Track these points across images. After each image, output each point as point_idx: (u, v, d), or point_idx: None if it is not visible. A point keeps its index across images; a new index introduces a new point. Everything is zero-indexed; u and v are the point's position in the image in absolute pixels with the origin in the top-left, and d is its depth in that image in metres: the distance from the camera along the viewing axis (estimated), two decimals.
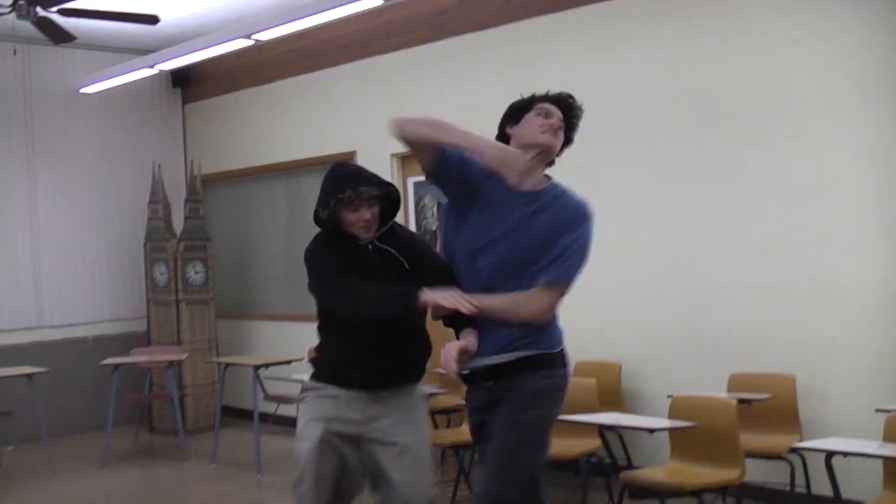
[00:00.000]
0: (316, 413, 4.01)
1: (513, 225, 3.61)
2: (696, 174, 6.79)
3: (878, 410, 5.20)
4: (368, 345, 3.91)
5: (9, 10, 6.35)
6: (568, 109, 3.80)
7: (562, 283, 3.59)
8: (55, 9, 6.38)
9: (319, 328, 4.21)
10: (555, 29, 7.56)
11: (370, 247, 3.96)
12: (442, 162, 3.65)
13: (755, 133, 6.46)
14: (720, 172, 6.66)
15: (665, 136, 6.95)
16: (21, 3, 6.20)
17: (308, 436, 3.99)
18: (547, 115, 3.74)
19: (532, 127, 3.72)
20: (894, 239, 5.87)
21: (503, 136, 3.80)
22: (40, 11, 6.34)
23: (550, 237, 3.60)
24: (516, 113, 3.80)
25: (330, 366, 4.08)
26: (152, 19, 6.87)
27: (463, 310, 3.49)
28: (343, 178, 3.96)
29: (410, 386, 4.09)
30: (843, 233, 6.08)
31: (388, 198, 4.02)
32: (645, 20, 7.03)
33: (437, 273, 3.79)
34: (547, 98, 3.81)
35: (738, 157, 6.56)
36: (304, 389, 4.14)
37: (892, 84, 5.81)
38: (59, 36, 6.94)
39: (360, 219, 3.90)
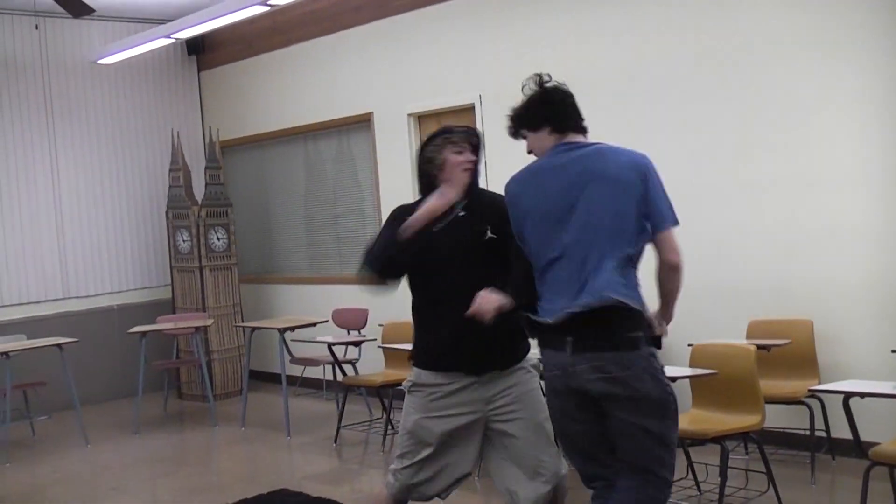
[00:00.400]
0: (422, 409, 4.07)
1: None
2: (708, 123, 6.82)
3: (893, 352, 5.26)
4: (458, 318, 3.80)
5: None
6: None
7: None
8: None
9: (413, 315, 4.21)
10: None
11: (460, 214, 4.01)
12: None
13: (762, 81, 6.49)
14: (732, 121, 6.70)
15: (681, 86, 6.98)
16: None
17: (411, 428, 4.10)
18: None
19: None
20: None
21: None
22: None
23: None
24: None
25: (425, 352, 4.11)
26: None
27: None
28: (444, 130, 4.09)
29: (515, 364, 4.08)
30: (852, 175, 6.12)
31: (478, 144, 4.11)
32: None
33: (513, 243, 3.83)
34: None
35: (749, 105, 6.60)
36: (411, 383, 4.16)
37: None
38: (78, 9, 7.00)
39: (467, 159, 3.98)
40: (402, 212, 4.05)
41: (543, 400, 4.01)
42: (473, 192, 4.05)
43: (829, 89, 6.21)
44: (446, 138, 4.01)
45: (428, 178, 4.04)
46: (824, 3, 6.17)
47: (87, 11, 7.03)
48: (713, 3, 6.74)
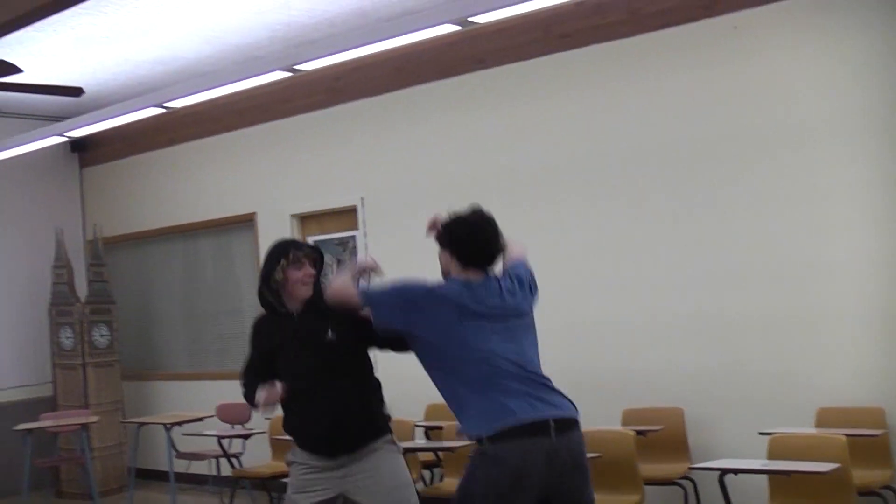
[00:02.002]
0: (294, 485, 4.41)
1: None
2: (573, 225, 7.34)
3: (760, 434, 5.73)
4: (309, 411, 4.28)
5: None
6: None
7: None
8: None
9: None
10: (446, 91, 8.07)
11: (298, 318, 4.39)
12: None
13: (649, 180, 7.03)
14: (610, 216, 7.21)
15: (553, 186, 7.49)
16: None
17: None
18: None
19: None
20: (759, 270, 6.49)
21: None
22: None
23: None
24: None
25: (295, 434, 4.45)
26: (77, 91, 7.11)
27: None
28: (286, 244, 4.49)
29: (370, 444, 4.33)
30: (724, 267, 6.68)
31: (320, 259, 4.46)
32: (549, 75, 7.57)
33: (367, 324, 4.16)
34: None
35: (626, 200, 7.13)
36: (289, 458, 4.52)
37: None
38: None
39: (306, 274, 4.34)
40: (260, 325, 4.54)
41: (402, 472, 4.37)
42: (313, 301, 4.39)
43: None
44: (287, 256, 4.37)
45: (273, 292, 4.40)
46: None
47: None
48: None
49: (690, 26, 6.78)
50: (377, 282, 4.29)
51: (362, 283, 4.36)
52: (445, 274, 4.08)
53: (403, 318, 3.96)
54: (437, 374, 3.96)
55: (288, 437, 6.90)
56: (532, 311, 4.13)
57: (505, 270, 4.16)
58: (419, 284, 4.00)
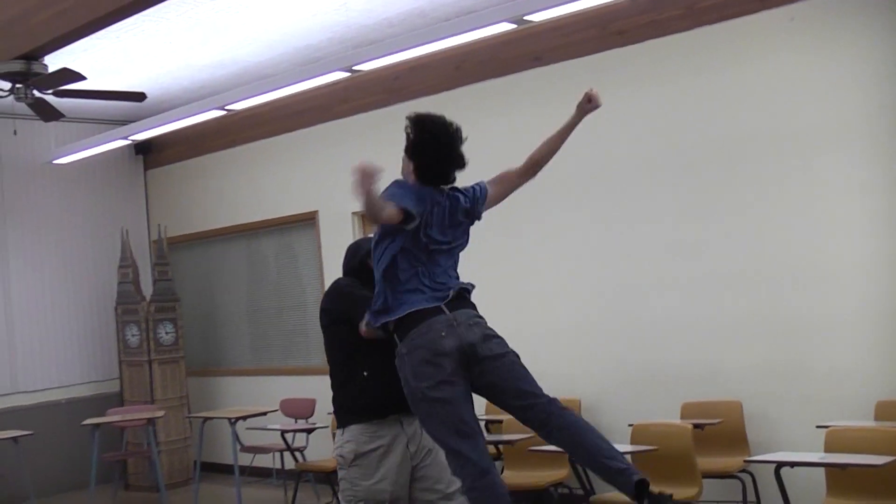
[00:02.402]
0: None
1: None
2: (638, 219, 7.37)
3: (818, 427, 5.75)
4: (384, 369, 4.22)
5: (7, 94, 6.78)
6: None
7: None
8: (51, 91, 6.81)
9: (340, 371, 4.54)
10: (503, 89, 8.14)
11: None
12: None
13: (688, 178, 7.07)
14: (658, 218, 7.25)
15: (601, 185, 7.54)
16: (19, 86, 6.64)
17: None
18: None
19: None
20: (818, 268, 6.50)
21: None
22: (37, 93, 6.77)
23: None
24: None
25: (364, 400, 4.40)
26: (140, 96, 7.30)
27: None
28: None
29: None
30: (783, 265, 6.69)
31: None
32: (596, 76, 7.61)
33: None
34: None
35: (668, 200, 7.19)
36: (348, 451, 4.43)
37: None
38: (50, 114, 7.34)
39: None
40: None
41: None
42: None
43: (758, 190, 6.78)
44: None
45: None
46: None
47: (57, 116, 7.38)
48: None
49: (747, 18, 6.81)
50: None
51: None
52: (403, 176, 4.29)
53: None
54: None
55: None
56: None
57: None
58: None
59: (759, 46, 6.77)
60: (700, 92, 7.06)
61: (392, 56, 6.93)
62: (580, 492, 6.82)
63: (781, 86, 6.66)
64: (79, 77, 6.64)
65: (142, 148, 11.31)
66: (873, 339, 6.34)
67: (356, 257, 4.73)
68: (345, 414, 4.49)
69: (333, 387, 4.58)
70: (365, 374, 4.43)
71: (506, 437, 6.74)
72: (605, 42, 7.49)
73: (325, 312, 4.65)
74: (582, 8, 6.25)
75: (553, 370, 7.73)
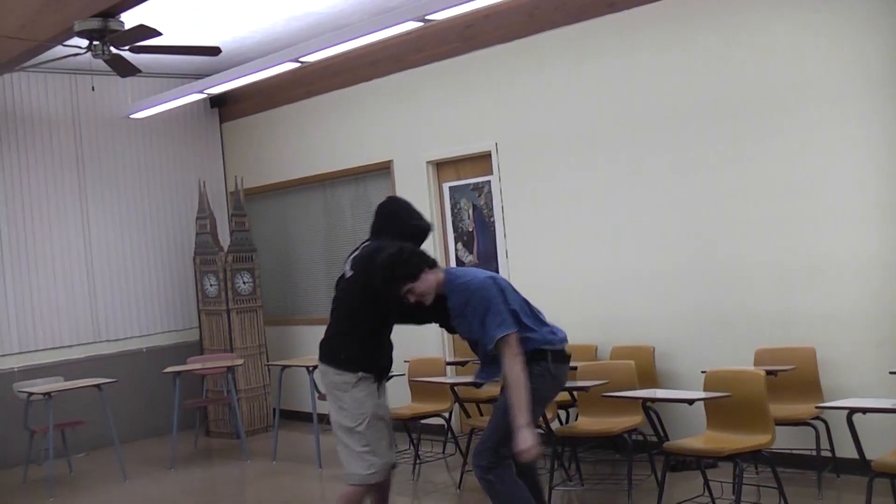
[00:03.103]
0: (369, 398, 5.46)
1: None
2: (712, 163, 7.32)
3: (891, 373, 5.72)
4: (383, 339, 5.54)
5: (85, 51, 6.91)
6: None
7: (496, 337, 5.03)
8: (127, 47, 6.92)
9: (349, 322, 5.51)
10: (576, 37, 8.10)
11: None
12: None
13: (762, 123, 7.01)
14: (734, 160, 7.20)
15: (680, 131, 7.48)
16: (96, 43, 6.77)
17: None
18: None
19: (430, 285, 5.19)
20: (880, 213, 6.42)
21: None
22: (113, 50, 6.89)
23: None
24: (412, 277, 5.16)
25: (362, 357, 5.43)
26: (215, 51, 7.38)
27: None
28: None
29: None
30: (849, 212, 6.61)
31: None
32: (664, 24, 7.56)
33: None
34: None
35: (750, 145, 7.10)
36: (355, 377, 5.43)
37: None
38: (126, 70, 7.46)
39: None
40: None
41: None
42: None
43: (822, 138, 6.71)
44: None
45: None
46: (817, 49, 6.69)
47: (134, 72, 7.51)
48: (707, 51, 7.24)
49: None
50: None
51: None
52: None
53: None
54: None
55: (426, 380, 7.53)
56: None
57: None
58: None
59: None
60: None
61: (465, 5, 6.93)
62: (654, 438, 6.86)
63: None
64: (155, 33, 6.74)
65: (217, 101, 11.45)
66: None
67: (406, 224, 5.54)
68: (349, 362, 5.40)
69: (337, 331, 5.53)
70: (369, 341, 5.44)
71: (580, 383, 6.78)
72: None
73: (364, 275, 5.35)
74: None
75: (625, 316, 7.82)
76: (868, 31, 6.44)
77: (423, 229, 5.60)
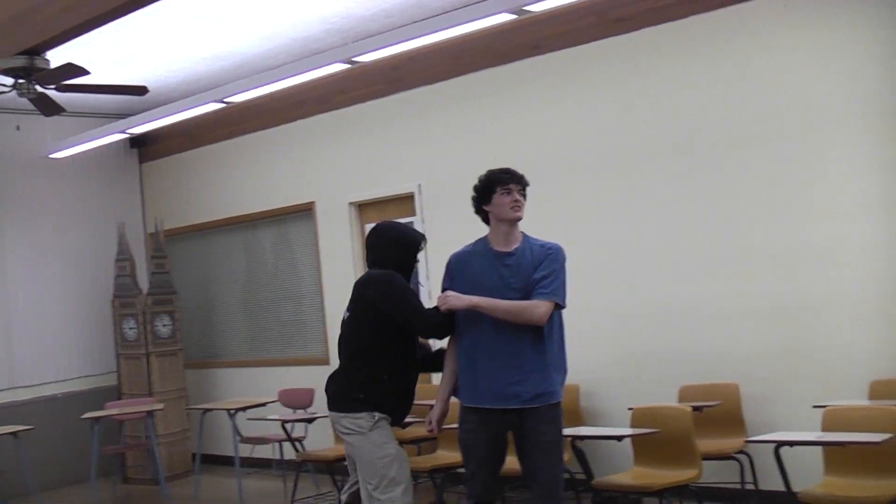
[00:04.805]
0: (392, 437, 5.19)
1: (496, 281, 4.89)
2: (633, 205, 7.46)
3: (814, 407, 5.84)
4: (410, 380, 5.23)
5: (10, 89, 6.81)
6: (520, 182, 5.03)
7: (553, 297, 4.90)
8: (53, 85, 6.85)
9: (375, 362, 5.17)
10: (501, 79, 8.21)
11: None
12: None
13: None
14: (656, 204, 7.34)
15: (601, 173, 7.63)
16: (21, 81, 6.68)
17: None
18: (509, 193, 4.95)
19: (503, 205, 4.95)
20: (812, 251, 6.59)
21: (480, 211, 5.05)
22: (39, 88, 6.81)
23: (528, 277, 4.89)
24: (484, 194, 5.00)
25: (391, 399, 5.17)
26: (142, 90, 7.33)
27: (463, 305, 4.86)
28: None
29: None
30: (776, 248, 6.78)
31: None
32: (588, 66, 7.69)
33: None
34: (504, 177, 4.99)
35: (684, 185, 7.22)
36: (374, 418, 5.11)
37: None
38: (50, 109, 7.38)
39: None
40: None
41: None
42: None
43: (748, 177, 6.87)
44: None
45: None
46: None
47: (58, 111, 7.42)
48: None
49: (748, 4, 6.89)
50: None
51: None
52: None
53: None
54: None
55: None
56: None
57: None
58: None
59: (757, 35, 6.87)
60: (694, 79, 7.14)
61: (391, 47, 6.98)
62: (581, 476, 6.89)
63: (778, 70, 6.74)
64: (82, 72, 6.68)
65: (136, 141, 11.33)
66: (867, 320, 6.44)
67: (407, 250, 5.30)
68: (362, 404, 5.08)
69: (347, 370, 5.21)
70: (385, 377, 5.09)
71: None
72: (604, 30, 7.54)
73: (363, 299, 5.15)
74: None
75: None
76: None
77: (414, 242, 5.37)
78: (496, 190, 4.94)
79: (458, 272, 5.01)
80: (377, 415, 5.06)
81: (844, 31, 6.49)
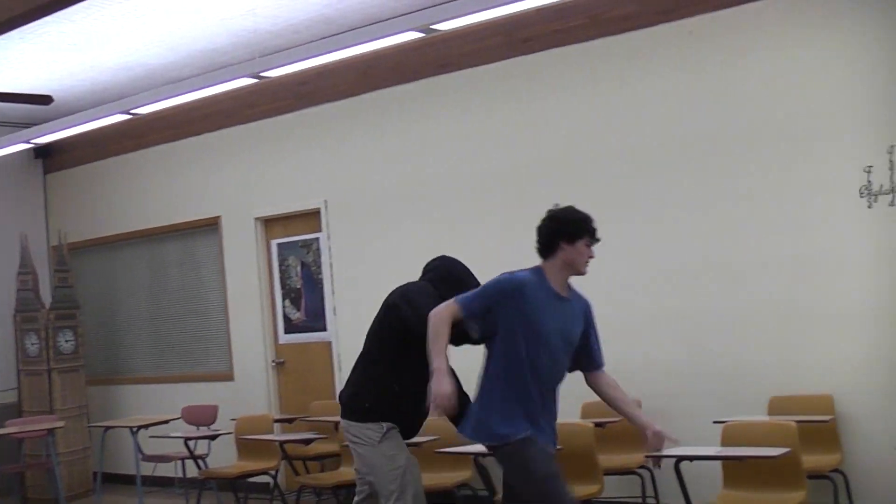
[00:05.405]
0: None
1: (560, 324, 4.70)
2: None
3: (715, 422, 5.94)
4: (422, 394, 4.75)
5: None
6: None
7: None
8: None
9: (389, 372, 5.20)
10: (409, 96, 8.25)
11: None
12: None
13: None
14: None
15: (503, 191, 7.67)
16: None
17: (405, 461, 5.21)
18: (590, 248, 4.67)
19: (582, 256, 4.65)
20: (719, 267, 6.69)
21: (553, 244, 4.66)
22: None
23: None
24: (572, 233, 4.63)
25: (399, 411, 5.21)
26: (46, 99, 7.19)
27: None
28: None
29: None
30: (682, 264, 6.88)
31: None
32: (496, 83, 7.75)
33: None
34: (594, 231, 4.67)
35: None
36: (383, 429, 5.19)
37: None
38: None
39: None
40: None
41: None
42: None
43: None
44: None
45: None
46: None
47: None
48: (544, 110, 7.45)
49: (651, 30, 7.01)
50: None
51: None
52: None
53: None
54: None
55: (251, 438, 7.35)
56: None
57: None
58: None
59: (664, 58, 6.97)
60: (606, 97, 7.23)
61: (299, 63, 6.96)
62: (484, 492, 6.90)
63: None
64: None
65: (41, 152, 11.11)
66: (767, 337, 6.60)
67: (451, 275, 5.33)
68: (369, 413, 5.16)
69: (361, 377, 5.31)
70: (396, 388, 5.13)
71: (415, 439, 6.78)
72: (512, 49, 7.63)
73: (385, 306, 5.28)
74: (488, 18, 6.35)
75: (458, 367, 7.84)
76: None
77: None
78: (584, 237, 4.62)
79: (533, 299, 4.61)
80: (385, 425, 5.11)
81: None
